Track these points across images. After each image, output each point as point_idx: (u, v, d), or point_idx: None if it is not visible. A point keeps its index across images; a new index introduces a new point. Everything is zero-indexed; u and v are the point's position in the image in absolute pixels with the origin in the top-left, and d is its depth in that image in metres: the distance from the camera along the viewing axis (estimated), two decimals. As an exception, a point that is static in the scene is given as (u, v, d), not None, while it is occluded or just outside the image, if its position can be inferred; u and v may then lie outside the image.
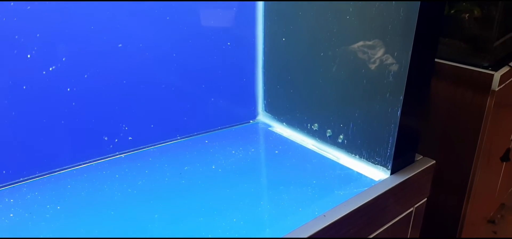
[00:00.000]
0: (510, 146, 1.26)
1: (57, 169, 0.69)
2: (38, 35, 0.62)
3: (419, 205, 0.76)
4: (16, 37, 0.60)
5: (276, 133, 0.89)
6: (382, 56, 0.67)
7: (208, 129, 0.87)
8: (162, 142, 0.80)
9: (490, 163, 1.14)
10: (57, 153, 0.69)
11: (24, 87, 0.63)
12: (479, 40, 1.05)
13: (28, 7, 0.60)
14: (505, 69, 1.02)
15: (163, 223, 0.58)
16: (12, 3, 0.59)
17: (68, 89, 0.67)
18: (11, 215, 0.59)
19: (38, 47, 0.62)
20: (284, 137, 0.87)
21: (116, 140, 0.74)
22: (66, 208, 0.61)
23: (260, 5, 0.86)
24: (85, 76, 0.68)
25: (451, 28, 1.08)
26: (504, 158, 1.22)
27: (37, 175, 0.68)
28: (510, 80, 1.07)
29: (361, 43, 0.70)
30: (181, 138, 0.83)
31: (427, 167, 0.74)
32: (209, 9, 0.79)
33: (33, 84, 0.63)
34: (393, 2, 0.63)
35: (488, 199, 1.28)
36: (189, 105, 0.82)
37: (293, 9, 0.80)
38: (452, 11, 1.09)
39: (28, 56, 0.62)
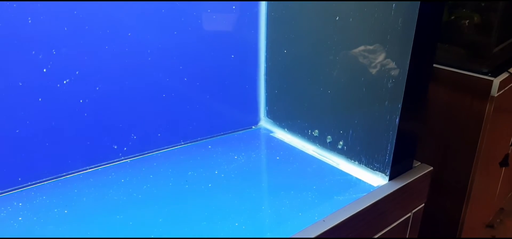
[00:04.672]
0: (509, 152, 1.27)
1: (64, 174, 0.71)
2: (53, 51, 0.65)
3: (417, 210, 0.77)
4: (33, 52, 0.63)
5: (278, 138, 0.90)
6: (381, 65, 0.68)
7: (211, 135, 0.88)
8: (166, 147, 0.82)
9: (489, 169, 1.15)
10: (68, 160, 0.71)
11: (40, 99, 0.65)
12: (479, 46, 1.06)
13: (44, 24, 0.63)
14: (504, 75, 1.03)
15: (167, 227, 0.60)
16: (29, 20, 0.61)
17: (81, 101, 0.69)
18: (20, 218, 0.60)
19: (53, 61, 0.65)
20: (285, 142, 0.88)
21: (125, 148, 0.76)
22: (73, 212, 0.62)
23: (263, 14, 0.88)
24: (97, 88, 0.70)
25: (451, 34, 1.09)
26: (503, 163, 1.23)
27: (44, 179, 0.69)
28: (509, 86, 1.07)
29: (360, 52, 0.71)
30: (184, 144, 0.84)
31: (424, 173, 0.75)
32: (213, 20, 0.81)
33: (48, 96, 0.66)
34: (392, 12, 0.65)
35: (487, 204, 1.29)
36: (193, 111, 0.84)
37: (295, 18, 0.82)
38: (452, 18, 1.09)
39: (44, 70, 0.64)
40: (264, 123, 0.96)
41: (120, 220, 0.61)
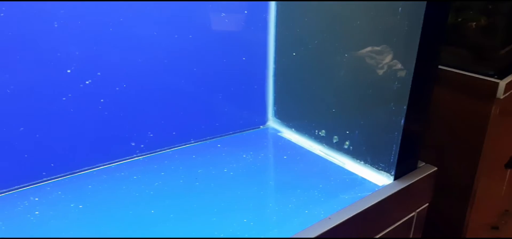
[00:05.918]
0: (515, 153, 1.26)
1: (78, 170, 0.73)
2: (77, 53, 0.67)
3: (421, 210, 0.78)
4: (58, 54, 0.66)
5: (285, 138, 0.91)
6: (387, 66, 0.69)
7: (220, 134, 0.90)
8: (177, 145, 0.84)
9: (494, 170, 1.15)
10: (88, 157, 0.74)
11: (64, 99, 0.68)
12: (485, 48, 1.06)
13: (69, 28, 0.66)
14: (510, 78, 1.02)
15: (178, 223, 0.61)
16: (55, 24, 0.64)
17: (102, 100, 0.72)
18: (37, 212, 0.62)
19: (77, 63, 0.68)
20: (293, 142, 0.89)
21: (142, 145, 0.79)
22: (88, 207, 0.64)
23: (272, 16, 0.89)
24: (117, 89, 0.73)
25: (457, 36, 1.09)
26: (508, 165, 1.23)
27: (59, 175, 0.71)
28: (515, 88, 1.07)
29: (367, 54, 0.72)
30: (195, 142, 0.86)
31: (429, 174, 0.76)
32: (226, 23, 0.83)
33: (72, 96, 0.69)
34: (398, 15, 0.66)
35: (492, 206, 1.28)
36: (204, 111, 0.86)
37: (303, 21, 0.83)
38: (459, 20, 1.09)
39: (68, 71, 0.67)
40: (272, 123, 0.97)
41: (133, 215, 0.63)
